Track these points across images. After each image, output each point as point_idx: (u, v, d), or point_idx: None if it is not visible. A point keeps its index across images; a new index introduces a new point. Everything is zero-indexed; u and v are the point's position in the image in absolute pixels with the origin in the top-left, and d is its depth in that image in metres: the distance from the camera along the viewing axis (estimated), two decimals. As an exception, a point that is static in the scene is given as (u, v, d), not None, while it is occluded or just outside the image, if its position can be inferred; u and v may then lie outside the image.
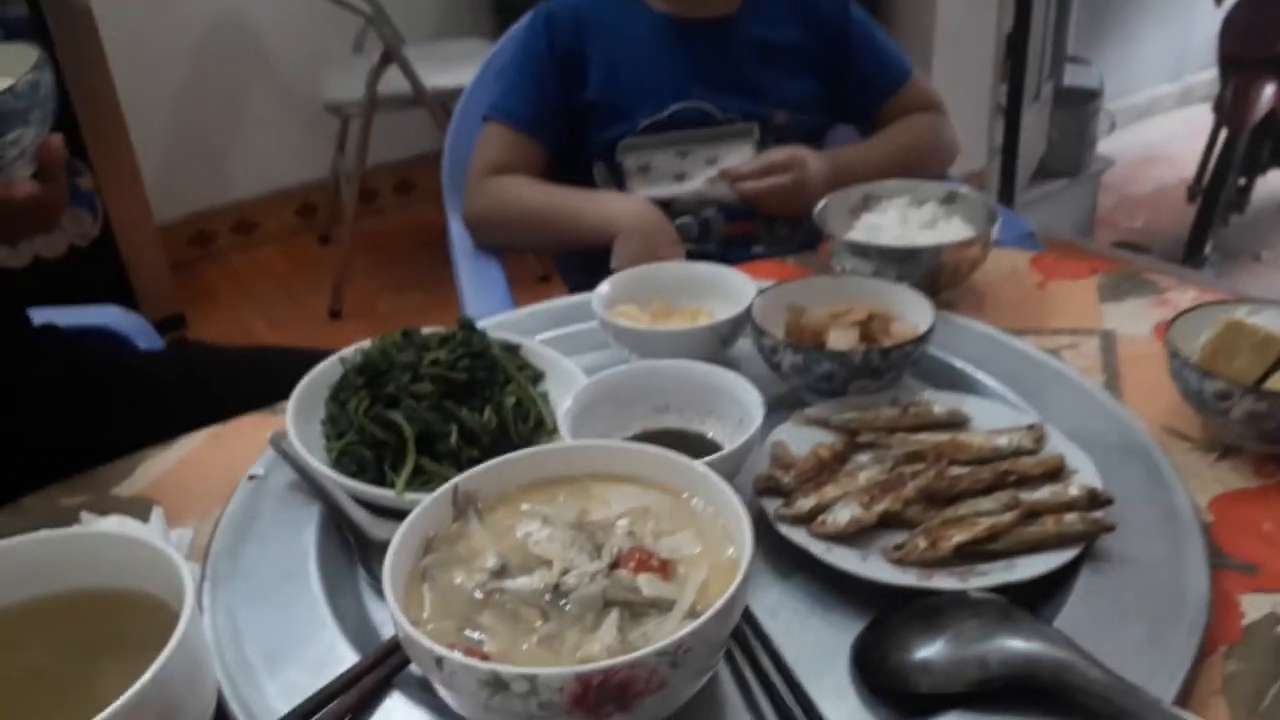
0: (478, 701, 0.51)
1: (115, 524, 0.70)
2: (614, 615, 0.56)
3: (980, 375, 0.87)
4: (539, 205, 1.28)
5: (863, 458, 0.77)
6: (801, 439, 0.78)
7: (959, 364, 0.88)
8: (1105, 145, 3.72)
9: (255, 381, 0.95)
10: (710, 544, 0.61)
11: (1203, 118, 3.51)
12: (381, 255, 3.05)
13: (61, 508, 0.79)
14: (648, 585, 0.57)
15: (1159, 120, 4.40)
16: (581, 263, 1.34)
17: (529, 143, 1.31)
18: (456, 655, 0.51)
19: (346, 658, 0.62)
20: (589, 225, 1.24)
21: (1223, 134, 3.33)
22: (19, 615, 0.60)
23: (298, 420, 0.79)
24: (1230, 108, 3.28)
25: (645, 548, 0.60)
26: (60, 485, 0.83)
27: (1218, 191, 3.34)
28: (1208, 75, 3.91)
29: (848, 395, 0.82)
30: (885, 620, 0.62)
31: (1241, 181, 3.42)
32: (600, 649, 0.54)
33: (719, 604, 0.53)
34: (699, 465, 0.64)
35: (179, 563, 0.57)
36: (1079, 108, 3.47)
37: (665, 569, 0.59)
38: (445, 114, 2.30)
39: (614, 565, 0.59)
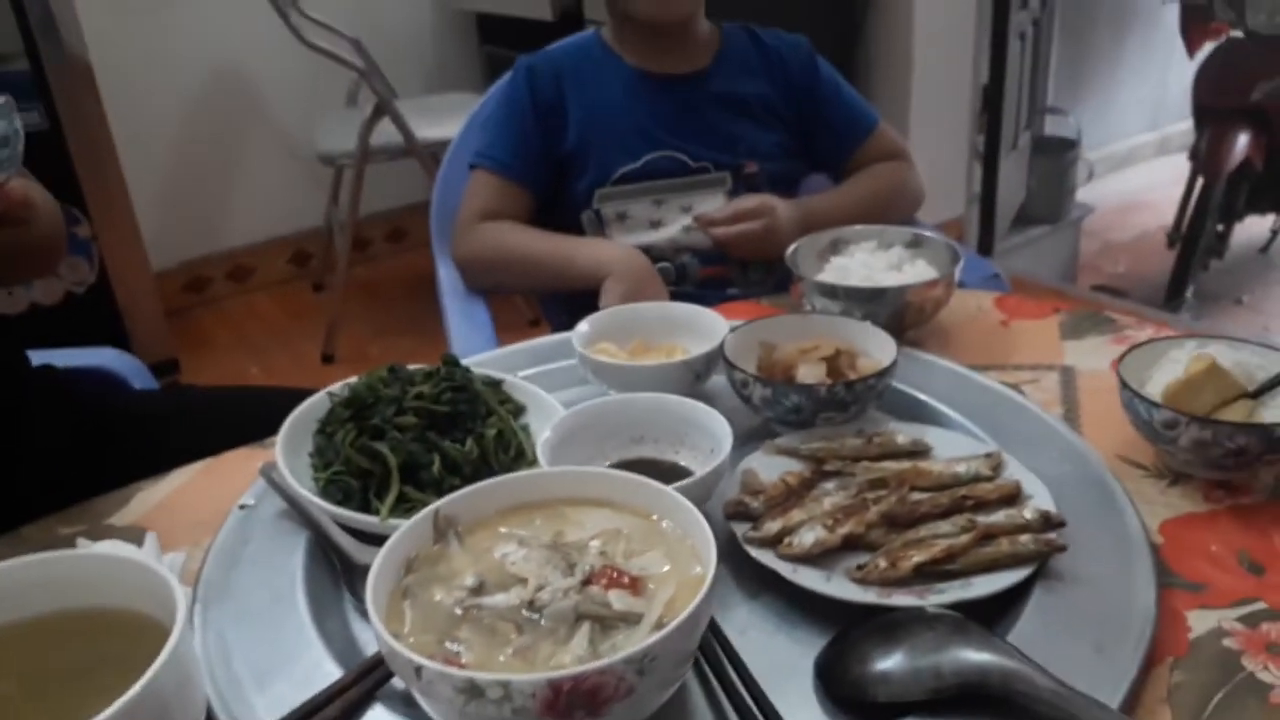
0: (454, 709, 0.54)
1: (109, 548, 0.73)
2: (585, 628, 0.59)
3: (943, 408, 0.90)
4: (529, 250, 1.33)
5: (828, 485, 0.80)
6: (770, 467, 0.81)
7: (923, 397, 0.92)
8: (1086, 193, 3.81)
9: (246, 419, 0.98)
10: (678, 563, 0.64)
11: (1181, 166, 3.61)
12: (374, 301, 3.10)
13: (59, 536, 0.82)
14: (618, 600, 0.60)
15: (1139, 169, 4.51)
16: (568, 305, 1.38)
17: (515, 189, 1.36)
18: (434, 664, 0.54)
19: (332, 674, 0.64)
20: (580, 270, 1.28)
21: (1199, 182, 3.42)
22: (13, 635, 0.63)
23: (287, 453, 0.82)
24: (1205, 156, 3.38)
25: (616, 566, 0.63)
26: (57, 516, 0.85)
27: (1196, 238, 3.42)
28: (1185, 125, 4.01)
29: (815, 426, 0.86)
30: (847, 635, 0.65)
31: (1220, 228, 3.50)
32: (572, 659, 0.57)
33: (683, 615, 0.56)
34: (668, 489, 0.67)
35: (170, 580, 0.60)
36: (1058, 156, 3.57)
37: (635, 585, 0.62)
38: (435, 164, 2.36)
39: (586, 582, 0.62)
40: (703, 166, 1.36)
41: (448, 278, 1.40)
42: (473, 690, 0.53)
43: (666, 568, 0.63)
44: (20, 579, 0.64)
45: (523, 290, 1.37)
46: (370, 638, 0.70)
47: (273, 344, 2.90)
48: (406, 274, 3.25)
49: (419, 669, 0.54)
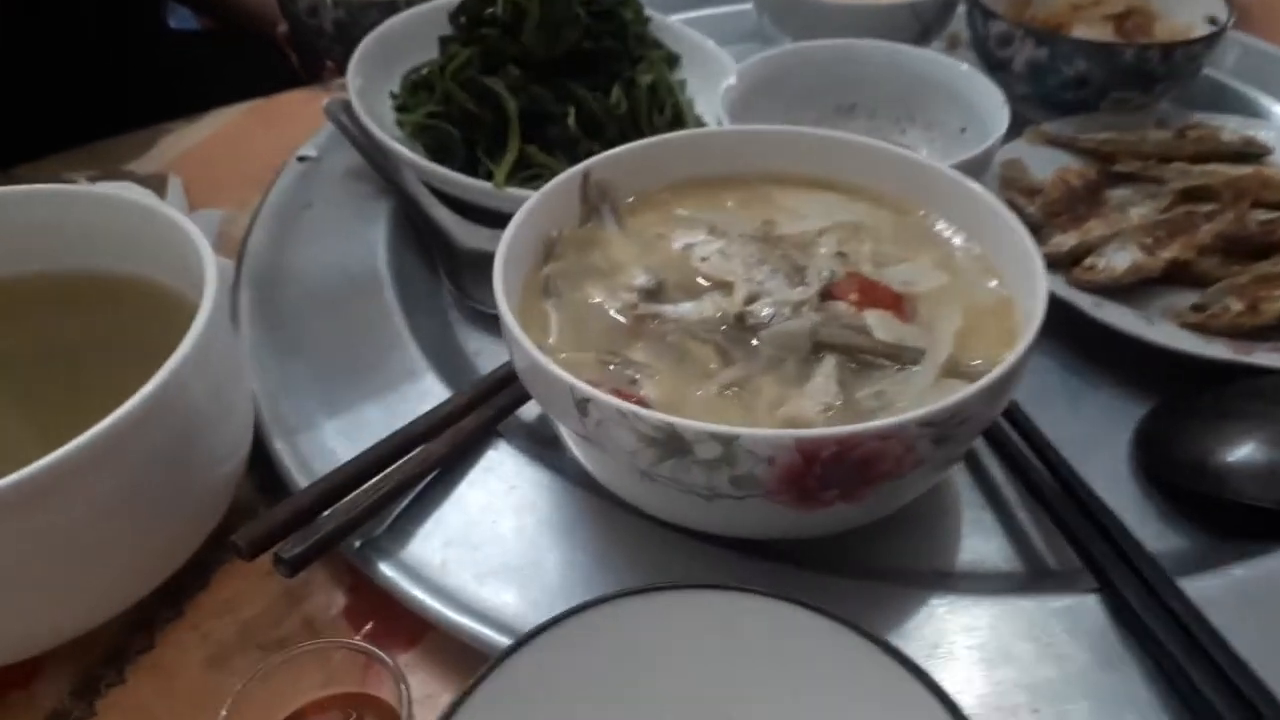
0: (633, 466, 0.35)
1: (118, 189, 0.52)
2: (830, 364, 0.38)
3: (1274, 105, 0.64)
4: None
5: (1123, 191, 0.56)
6: (1039, 161, 0.57)
7: (1240, 87, 0.66)
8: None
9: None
10: (962, 277, 0.42)
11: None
12: None
13: (60, 180, 0.61)
14: (881, 326, 0.39)
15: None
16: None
17: None
18: (611, 398, 0.33)
19: (433, 392, 0.45)
20: None
21: None
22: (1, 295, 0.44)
23: (363, 90, 0.59)
24: None
25: (864, 275, 0.42)
26: (60, 156, 0.65)
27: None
28: None
29: (1097, 112, 0.61)
30: (1183, 403, 0.44)
31: None
32: (814, 408, 0.36)
33: (1015, 356, 0.34)
34: (943, 167, 0.44)
35: (198, 239, 0.40)
36: None
37: (899, 306, 0.40)
38: None
39: (826, 295, 0.40)
40: None
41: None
42: (672, 442, 0.33)
43: (943, 282, 0.42)
44: (13, 219, 0.44)
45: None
46: (482, 346, 0.50)
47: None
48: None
49: (585, 402, 0.34)
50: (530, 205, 0.42)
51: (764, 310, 0.40)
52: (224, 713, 0.31)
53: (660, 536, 0.39)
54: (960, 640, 0.36)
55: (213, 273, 0.38)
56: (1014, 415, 0.43)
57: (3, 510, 0.32)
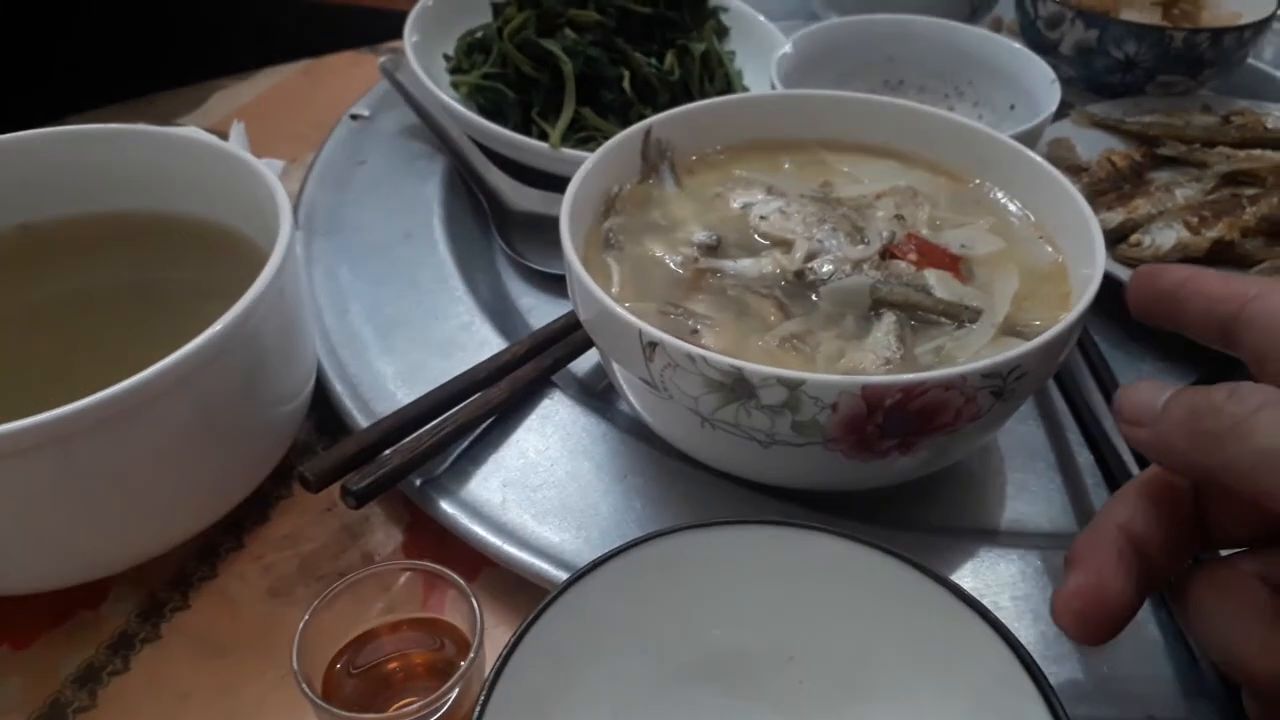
0: (693, 412, 0.35)
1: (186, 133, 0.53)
2: (889, 320, 0.38)
3: (1318, 92, 0.65)
4: None
5: (1167, 174, 0.57)
6: (1086, 143, 0.58)
7: (1283, 76, 0.67)
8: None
9: (363, 37, 0.75)
10: (1018, 243, 0.42)
11: None
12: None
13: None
14: (942, 285, 0.40)
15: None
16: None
17: None
18: (681, 343, 0.34)
19: (489, 343, 0.46)
20: None
21: None
22: (59, 237, 0.45)
23: (419, 50, 0.60)
24: None
25: (923, 238, 0.42)
26: (110, 109, 0.65)
27: None
28: None
29: (1143, 96, 0.62)
30: (1227, 379, 0.45)
31: None
32: (874, 362, 0.37)
33: (1074, 314, 0.35)
34: (1001, 135, 0.45)
35: (271, 181, 0.41)
36: None
37: (955, 268, 0.41)
38: None
39: (886, 254, 0.41)
40: None
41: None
42: (738, 387, 0.34)
43: (999, 247, 0.42)
44: (67, 158, 0.44)
45: None
46: (533, 302, 0.51)
47: None
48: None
49: (653, 346, 0.34)
50: (593, 160, 0.43)
51: (824, 267, 0.40)
52: (296, 640, 0.31)
53: (712, 486, 0.40)
54: (1005, 591, 0.37)
55: (287, 214, 0.39)
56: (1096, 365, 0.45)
57: (80, 432, 0.32)
